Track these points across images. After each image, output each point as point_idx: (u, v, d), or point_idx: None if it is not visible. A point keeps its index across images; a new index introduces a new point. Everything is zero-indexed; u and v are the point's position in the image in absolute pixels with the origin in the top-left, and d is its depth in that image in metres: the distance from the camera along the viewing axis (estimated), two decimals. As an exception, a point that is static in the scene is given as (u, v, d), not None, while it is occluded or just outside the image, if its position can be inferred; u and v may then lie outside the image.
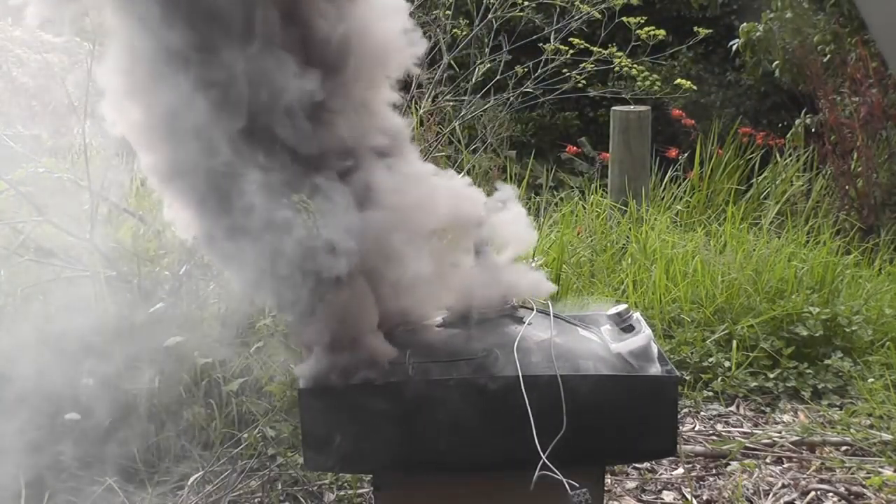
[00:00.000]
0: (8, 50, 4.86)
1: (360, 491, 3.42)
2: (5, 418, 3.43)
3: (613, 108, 6.63)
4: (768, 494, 3.54)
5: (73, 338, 3.64)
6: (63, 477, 3.39)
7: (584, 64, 6.19)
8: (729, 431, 4.04)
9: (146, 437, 3.55)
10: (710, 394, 4.34)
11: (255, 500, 3.36)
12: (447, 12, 5.90)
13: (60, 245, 3.92)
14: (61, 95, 4.51)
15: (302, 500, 3.38)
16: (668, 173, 6.73)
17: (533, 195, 6.75)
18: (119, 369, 3.57)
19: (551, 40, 6.02)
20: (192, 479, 3.40)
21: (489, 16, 5.78)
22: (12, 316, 3.69)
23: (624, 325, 2.61)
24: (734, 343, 4.52)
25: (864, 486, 3.57)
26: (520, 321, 2.58)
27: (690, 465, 3.75)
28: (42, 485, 3.34)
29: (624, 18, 6.20)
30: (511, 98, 6.05)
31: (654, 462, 3.70)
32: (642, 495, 3.56)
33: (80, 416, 3.43)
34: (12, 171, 4.06)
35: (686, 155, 7.09)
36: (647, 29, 6.39)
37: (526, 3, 5.77)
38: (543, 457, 2.30)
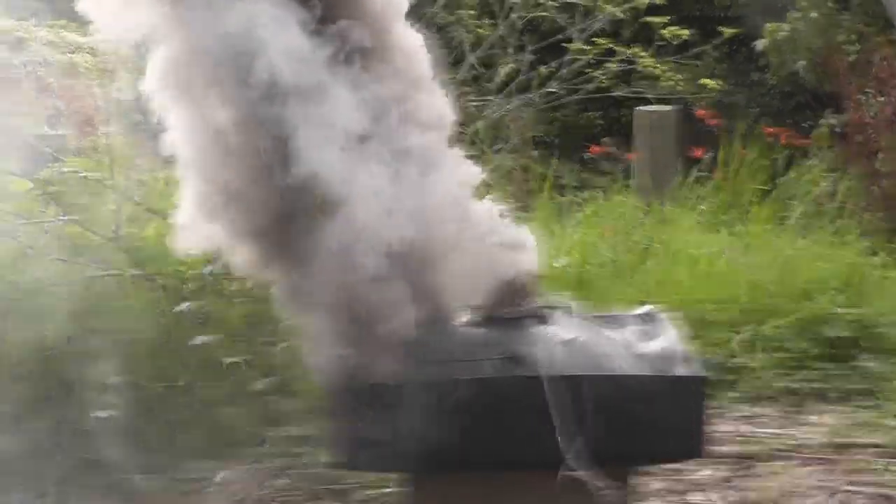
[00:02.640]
0: (34, 50, 4.89)
1: (386, 490, 3.41)
2: (34, 416, 3.46)
3: (637, 108, 6.61)
4: (795, 496, 3.51)
5: (100, 337, 3.66)
6: (91, 474, 3.40)
7: (608, 64, 6.19)
8: (755, 433, 4.01)
9: (172, 436, 3.56)
10: (737, 395, 4.32)
11: (282, 499, 3.36)
12: (471, 12, 5.90)
13: (86, 244, 3.94)
14: (87, 95, 4.53)
15: (328, 499, 3.38)
16: (693, 173, 6.70)
17: (557, 195, 6.73)
18: (146, 368, 3.58)
19: (575, 40, 6.02)
20: (218, 478, 3.40)
21: (513, 16, 5.78)
22: (38, 315, 3.70)
23: (649, 326, 2.60)
24: (760, 344, 4.50)
25: (893, 488, 3.54)
26: (545, 321, 2.57)
27: (717, 467, 3.73)
28: (70, 482, 3.36)
29: (648, 18, 6.19)
30: (535, 98, 6.05)
31: (680, 463, 3.68)
32: (669, 496, 3.54)
33: (107, 415, 3.45)
34: (39, 171, 4.09)
35: (710, 155, 7.05)
36: (671, 29, 6.38)
37: (550, 3, 5.77)
38: (569, 458, 2.29)
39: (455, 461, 2.43)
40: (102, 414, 3.42)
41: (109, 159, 3.91)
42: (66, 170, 4.18)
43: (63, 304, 3.77)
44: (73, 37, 5.00)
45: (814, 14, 7.47)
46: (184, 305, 3.69)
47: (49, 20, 5.02)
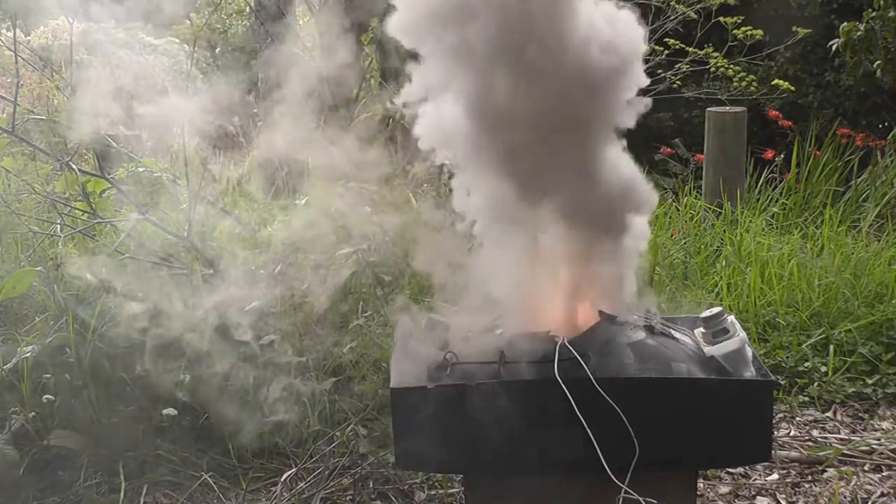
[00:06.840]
0: (111, 52, 4.98)
1: (451, 490, 3.43)
2: (106, 413, 3.52)
3: (708, 108, 6.56)
4: (866, 503, 3.47)
5: (171, 334, 3.71)
6: (161, 471, 3.46)
7: (679, 64, 6.14)
8: (825, 437, 3.96)
9: (240, 434, 3.61)
10: (806, 399, 4.27)
11: (347, 498, 3.39)
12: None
13: (159, 243, 4.00)
14: (161, 96, 4.60)
15: (393, 498, 3.40)
16: (764, 175, 6.64)
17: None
18: (215, 366, 3.63)
19: (646, 40, 5.98)
20: (285, 476, 3.44)
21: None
22: (112, 313, 3.77)
23: (718, 329, 2.59)
24: (831, 348, 4.44)
25: (966, 496, 3.49)
26: (613, 322, 2.57)
27: (785, 471, 3.69)
28: (141, 478, 3.41)
29: (721, 18, 6.14)
30: (605, 99, 6.02)
31: (747, 467, 3.65)
32: (736, 501, 3.51)
33: (176, 412, 3.51)
34: (114, 171, 4.17)
35: (782, 156, 6.97)
36: (743, 29, 6.31)
37: (621, 3, 5.74)
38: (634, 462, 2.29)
39: (517, 464, 2.44)
40: (170, 411, 3.48)
41: (182, 159, 3.96)
42: (140, 170, 4.26)
43: (134, 301, 3.83)
44: (148, 39, 5.08)
45: (891, 13, 7.33)
46: (253, 304, 3.73)
47: (125, 22, 5.11)
